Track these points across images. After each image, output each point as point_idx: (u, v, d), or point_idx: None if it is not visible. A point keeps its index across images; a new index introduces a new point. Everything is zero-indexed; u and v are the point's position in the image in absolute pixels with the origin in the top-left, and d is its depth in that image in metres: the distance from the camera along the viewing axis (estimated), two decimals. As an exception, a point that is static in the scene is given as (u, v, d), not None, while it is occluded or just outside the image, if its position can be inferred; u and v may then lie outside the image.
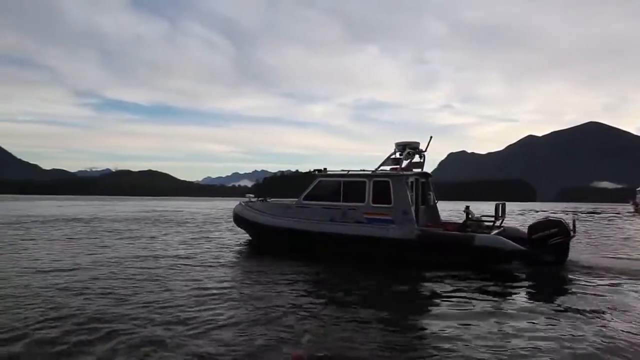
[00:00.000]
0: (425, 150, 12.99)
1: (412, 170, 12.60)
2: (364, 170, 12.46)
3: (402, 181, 11.60)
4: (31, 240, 14.90)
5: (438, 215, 12.89)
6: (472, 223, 11.69)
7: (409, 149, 12.55)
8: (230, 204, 56.18)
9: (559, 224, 10.70)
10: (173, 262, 10.62)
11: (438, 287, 8.21)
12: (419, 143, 12.72)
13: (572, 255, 10.99)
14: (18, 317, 5.78)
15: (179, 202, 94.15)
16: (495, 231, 11.45)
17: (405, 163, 12.69)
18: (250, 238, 15.24)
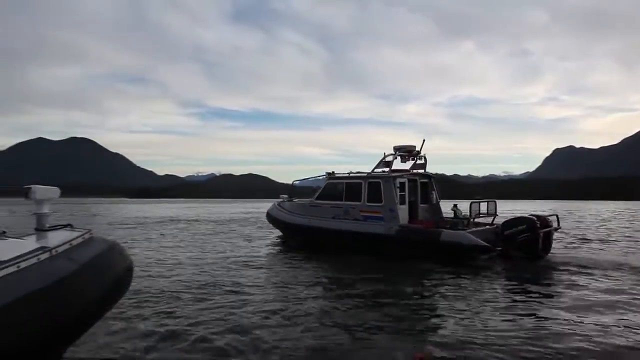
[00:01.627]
0: (420, 152, 13.74)
1: (410, 172, 13.54)
2: (368, 173, 13.56)
3: (390, 182, 12.55)
4: (152, 238, 17.80)
5: (440, 213, 13.47)
6: (449, 220, 12.57)
7: (400, 152, 13.55)
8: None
9: (527, 221, 11.21)
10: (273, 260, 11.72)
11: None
12: (414, 146, 13.58)
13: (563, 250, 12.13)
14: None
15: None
16: (475, 228, 11.88)
17: (405, 165, 13.85)
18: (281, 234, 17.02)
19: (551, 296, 7.56)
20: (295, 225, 14.98)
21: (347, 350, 4.68)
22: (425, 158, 13.80)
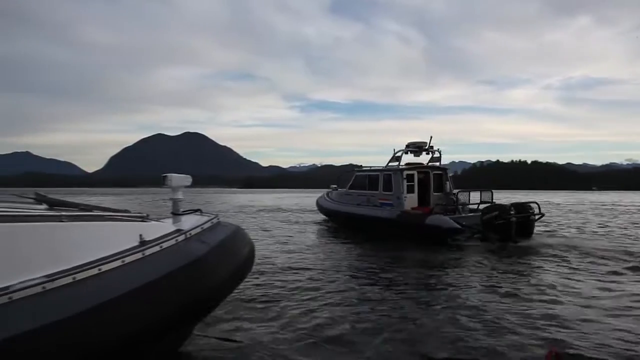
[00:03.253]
0: (432, 147, 15.50)
1: (421, 165, 15.37)
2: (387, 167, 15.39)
3: (398, 174, 14.46)
4: (259, 223, 18.82)
5: (453, 201, 14.39)
6: (440, 205, 13.79)
7: (411, 147, 15.49)
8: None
9: (500, 208, 12.38)
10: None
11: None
12: (424, 142, 15.45)
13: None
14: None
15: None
16: (466, 214, 13.53)
17: (419, 160, 15.79)
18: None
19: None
20: (333, 211, 17.77)
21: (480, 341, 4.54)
22: (440, 152, 15.66)
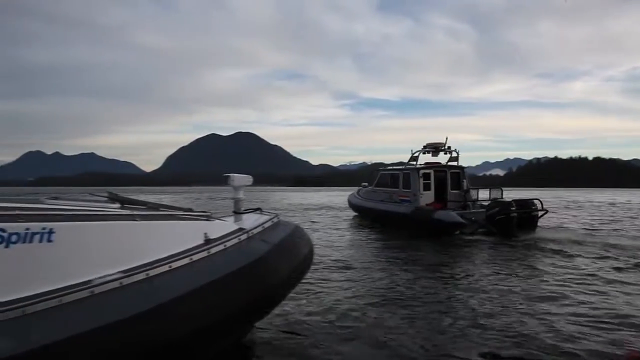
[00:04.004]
0: (446, 147, 16.62)
1: (438, 164, 16.41)
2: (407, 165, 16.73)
3: (415, 173, 15.61)
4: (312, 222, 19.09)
5: (469, 197, 15.39)
6: (455, 202, 15.14)
7: (428, 148, 16.85)
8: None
9: (501, 204, 13.39)
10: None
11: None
12: (441, 143, 16.67)
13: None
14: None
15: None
16: (474, 210, 14.46)
17: (437, 159, 16.93)
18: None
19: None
20: (361, 207, 19.34)
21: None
22: (457, 152, 16.73)
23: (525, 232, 12.83)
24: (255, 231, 3.35)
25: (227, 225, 3.35)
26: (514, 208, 12.95)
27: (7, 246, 2.20)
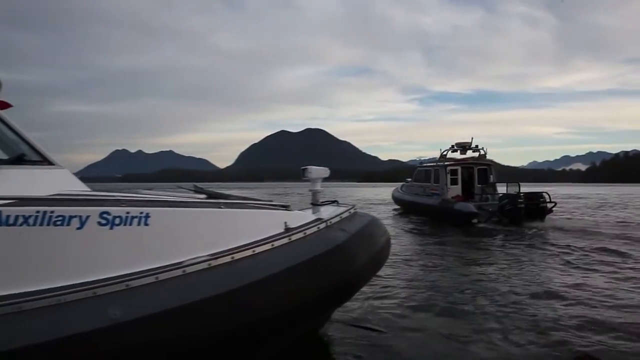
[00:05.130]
0: (477, 146, 18.53)
1: (464, 161, 18.24)
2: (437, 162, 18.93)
3: (443, 169, 17.62)
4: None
5: (495, 191, 17.14)
6: (478, 195, 16.85)
7: (457, 146, 18.86)
8: (559, 190, 52.80)
9: (510, 196, 15.18)
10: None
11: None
12: (468, 143, 18.69)
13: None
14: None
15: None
16: (494, 202, 15.77)
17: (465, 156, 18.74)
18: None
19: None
20: (401, 200, 21.76)
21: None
22: (485, 150, 18.44)
23: (534, 221, 14.55)
24: (333, 221, 3.40)
25: (305, 215, 3.44)
26: (521, 200, 14.71)
27: (111, 227, 2.46)
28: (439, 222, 15.56)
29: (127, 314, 2.24)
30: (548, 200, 15.39)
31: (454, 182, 17.40)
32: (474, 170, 17.80)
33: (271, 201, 3.65)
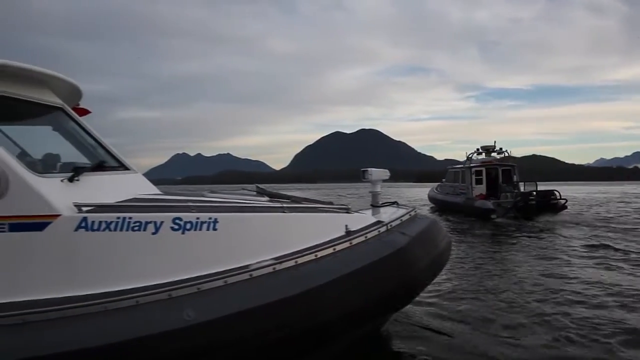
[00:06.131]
0: (501, 149, 20.45)
1: (489, 162, 19.88)
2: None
3: (468, 170, 19.60)
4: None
5: (518, 190, 18.10)
6: (502, 194, 17.85)
7: (482, 149, 20.76)
8: (630, 189, 49.51)
9: (522, 194, 16.90)
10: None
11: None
12: (492, 146, 20.53)
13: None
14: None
15: (569, 187, 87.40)
16: (509, 200, 17.15)
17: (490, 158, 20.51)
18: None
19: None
20: (434, 199, 23.55)
21: None
22: (509, 152, 20.27)
23: (545, 216, 16.02)
24: (393, 224, 3.38)
25: (366, 217, 3.44)
26: (532, 198, 16.41)
27: (183, 232, 2.61)
28: (465, 217, 17.14)
29: (200, 316, 2.36)
30: (558, 197, 17.07)
31: (478, 181, 19.27)
32: (498, 171, 19.53)
33: (332, 203, 3.69)
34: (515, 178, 19.22)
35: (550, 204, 16.76)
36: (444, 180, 23.70)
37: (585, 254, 9.13)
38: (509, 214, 16.35)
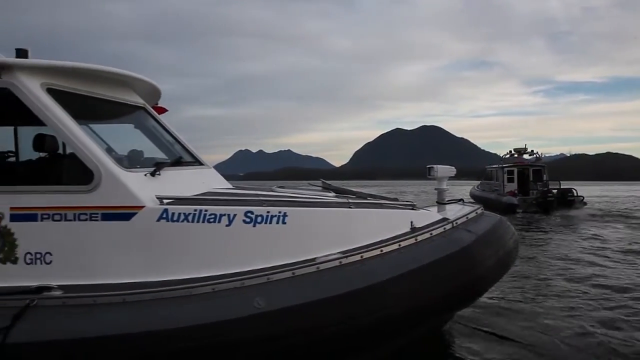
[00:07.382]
0: (530, 150, 23.38)
1: (521, 163, 22.64)
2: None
3: (501, 170, 22.24)
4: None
5: (547, 188, 20.21)
6: (534, 190, 20.83)
7: (514, 151, 23.53)
8: None
9: (543, 192, 19.82)
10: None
11: None
12: (523, 148, 23.44)
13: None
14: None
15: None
16: (535, 197, 20.39)
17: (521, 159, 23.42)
18: None
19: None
20: (475, 196, 24.41)
21: None
22: (538, 154, 23.21)
23: (563, 210, 18.49)
24: (459, 221, 3.35)
25: (431, 215, 3.43)
26: (550, 195, 19.34)
27: (254, 225, 2.76)
28: (497, 212, 18.24)
29: (269, 305, 2.49)
30: (576, 194, 19.91)
31: (510, 180, 21.93)
32: (529, 171, 22.27)
33: (397, 199, 3.71)
34: (545, 177, 21.95)
35: (568, 200, 19.44)
36: (480, 179, 26.82)
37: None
38: (530, 209, 19.53)
